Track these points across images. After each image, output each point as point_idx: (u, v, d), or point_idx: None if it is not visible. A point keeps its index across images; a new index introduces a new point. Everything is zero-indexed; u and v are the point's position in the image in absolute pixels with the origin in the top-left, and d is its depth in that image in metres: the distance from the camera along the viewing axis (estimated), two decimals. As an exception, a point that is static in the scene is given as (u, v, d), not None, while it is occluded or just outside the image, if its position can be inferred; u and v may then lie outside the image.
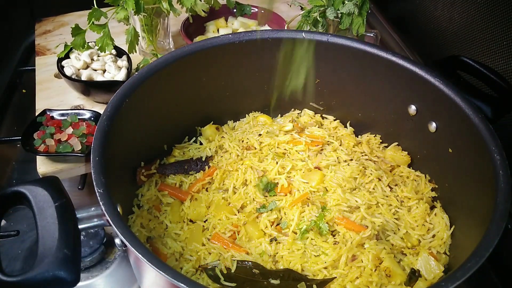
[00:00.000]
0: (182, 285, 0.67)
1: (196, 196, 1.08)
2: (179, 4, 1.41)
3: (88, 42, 1.33)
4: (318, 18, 1.38)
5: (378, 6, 2.00)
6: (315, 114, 1.30)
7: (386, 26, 1.91)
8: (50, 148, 1.17)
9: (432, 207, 1.09)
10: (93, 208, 0.80)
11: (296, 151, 1.16)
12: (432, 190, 1.12)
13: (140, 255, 0.70)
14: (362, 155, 1.18)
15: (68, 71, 1.33)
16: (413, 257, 0.98)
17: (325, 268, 0.94)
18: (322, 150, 1.18)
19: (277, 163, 1.12)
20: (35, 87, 1.44)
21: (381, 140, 1.24)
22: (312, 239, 0.98)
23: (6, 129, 1.54)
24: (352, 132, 1.27)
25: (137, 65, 1.44)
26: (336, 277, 0.93)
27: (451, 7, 1.47)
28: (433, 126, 1.08)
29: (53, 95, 1.41)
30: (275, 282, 0.90)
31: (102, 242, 1.11)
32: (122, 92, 0.97)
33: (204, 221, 1.04)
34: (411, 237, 1.02)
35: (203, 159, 1.16)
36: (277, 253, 0.97)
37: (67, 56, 1.38)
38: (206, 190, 1.10)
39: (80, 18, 1.70)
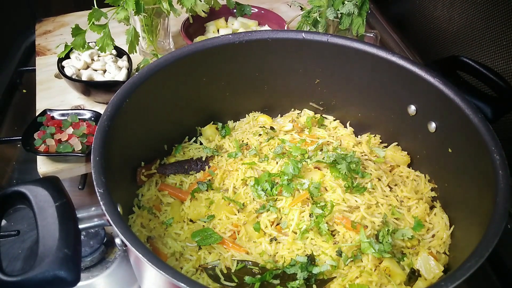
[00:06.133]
0: (182, 284, 0.67)
1: (196, 196, 1.08)
2: (179, 5, 1.41)
3: (89, 42, 1.33)
4: (318, 18, 1.39)
5: (378, 6, 2.00)
6: (315, 114, 1.30)
7: (386, 26, 1.91)
8: (50, 148, 1.17)
9: (432, 207, 1.09)
10: (93, 208, 0.80)
11: (296, 151, 1.16)
12: (432, 190, 1.12)
13: (140, 255, 0.70)
14: (362, 155, 1.18)
15: (68, 71, 1.33)
16: (413, 257, 0.98)
17: (325, 267, 0.94)
18: (321, 150, 1.18)
19: (277, 163, 1.12)
20: (36, 87, 1.44)
21: (381, 140, 1.24)
22: (312, 239, 0.98)
23: (6, 129, 1.54)
24: (352, 132, 1.27)
25: (137, 65, 1.44)
26: (336, 276, 0.93)
27: (451, 7, 1.47)
28: (432, 126, 1.08)
29: (54, 95, 1.41)
30: (275, 282, 0.90)
31: (102, 242, 1.11)
32: (123, 92, 0.97)
33: (204, 221, 1.04)
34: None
35: (203, 159, 1.16)
36: (277, 253, 0.97)
37: (67, 56, 1.39)
38: (207, 190, 1.10)
39: (80, 18, 1.70)
